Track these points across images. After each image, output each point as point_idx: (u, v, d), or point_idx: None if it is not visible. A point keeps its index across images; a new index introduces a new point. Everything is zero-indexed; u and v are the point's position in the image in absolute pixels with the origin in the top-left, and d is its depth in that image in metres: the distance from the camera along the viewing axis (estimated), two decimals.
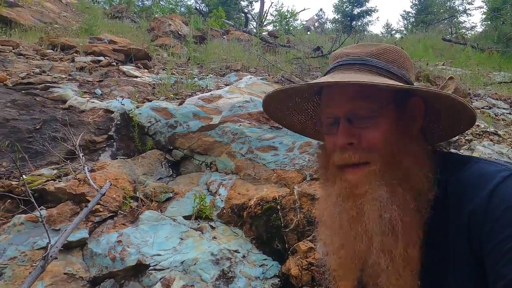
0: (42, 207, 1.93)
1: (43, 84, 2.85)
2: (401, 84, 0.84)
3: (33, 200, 1.46)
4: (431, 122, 0.97)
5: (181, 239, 2.14)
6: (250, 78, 4.12)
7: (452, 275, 0.80)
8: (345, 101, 0.86)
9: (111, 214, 2.09)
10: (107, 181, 2.10)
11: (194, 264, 1.98)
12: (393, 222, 0.80)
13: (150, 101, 3.09)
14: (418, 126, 0.90)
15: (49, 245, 1.49)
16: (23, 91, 2.70)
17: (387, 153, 0.84)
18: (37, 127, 2.39)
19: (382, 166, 0.83)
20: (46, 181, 2.04)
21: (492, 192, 0.75)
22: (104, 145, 2.59)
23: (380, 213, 0.80)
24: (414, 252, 0.81)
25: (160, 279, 1.84)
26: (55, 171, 2.15)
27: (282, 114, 1.08)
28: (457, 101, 0.82)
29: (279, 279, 2.10)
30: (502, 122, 3.10)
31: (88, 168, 2.12)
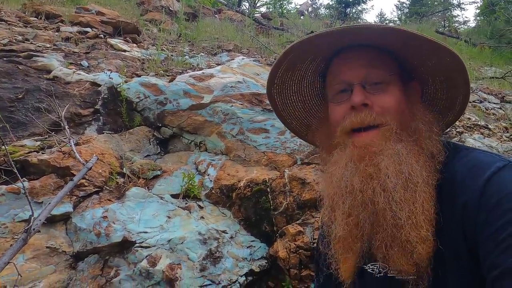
0: (24, 178, 1.85)
1: (26, 53, 2.71)
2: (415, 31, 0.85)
3: (15, 171, 1.39)
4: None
5: (168, 217, 2.10)
6: (243, 59, 4.04)
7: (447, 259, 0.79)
8: (358, 67, 0.89)
9: (97, 189, 2.03)
10: (94, 155, 2.03)
11: (181, 243, 1.95)
12: (412, 175, 0.80)
13: (139, 76, 2.99)
14: (418, 107, 0.92)
15: (32, 217, 1.43)
16: (4, 58, 2.56)
17: (400, 116, 0.86)
18: (20, 97, 2.28)
19: (397, 126, 0.85)
20: (28, 152, 1.95)
21: (487, 182, 0.74)
22: (90, 119, 2.50)
23: (400, 167, 0.80)
24: (431, 209, 0.80)
25: (146, 256, 1.81)
26: (38, 143, 2.06)
27: (281, 97, 1.08)
28: (443, 48, 0.83)
29: (266, 261, 2.10)
30: (493, 116, 3.14)
31: (73, 141, 2.04)
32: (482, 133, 2.89)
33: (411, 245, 0.78)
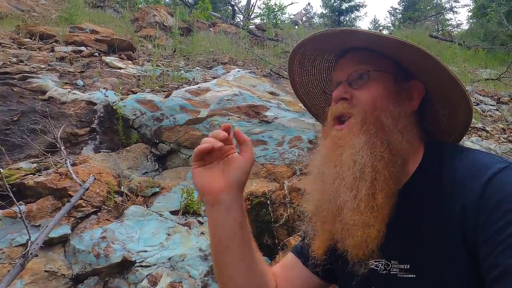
0: (21, 202, 1.83)
1: (20, 74, 2.72)
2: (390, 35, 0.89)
3: (11, 195, 1.37)
4: (434, 114, 1.01)
5: (168, 234, 2.07)
6: (238, 71, 4.06)
7: (442, 259, 0.80)
8: (348, 66, 0.96)
9: (95, 209, 2.01)
10: (91, 175, 2.01)
11: (182, 260, 1.92)
12: (364, 166, 0.84)
13: (135, 93, 2.99)
14: (413, 105, 0.95)
15: (29, 241, 1.41)
16: None
17: (370, 110, 0.90)
18: (15, 119, 2.28)
19: (363, 118, 0.89)
20: (25, 175, 1.93)
21: (487, 183, 0.75)
22: (87, 138, 2.49)
23: (355, 158, 0.86)
24: (383, 200, 0.83)
25: (147, 275, 1.78)
26: (35, 165, 2.05)
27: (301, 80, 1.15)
28: (443, 67, 0.86)
29: None
30: (490, 118, 3.14)
31: (70, 162, 2.02)
32: (480, 136, 2.88)
33: (354, 227, 0.83)
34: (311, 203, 0.96)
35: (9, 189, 1.43)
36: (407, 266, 0.85)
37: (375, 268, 0.91)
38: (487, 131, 2.96)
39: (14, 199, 1.42)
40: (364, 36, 0.92)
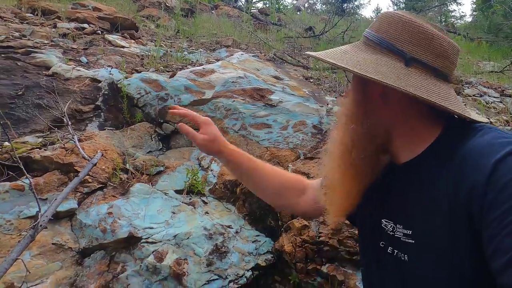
0: (27, 175, 1.82)
1: (24, 49, 2.67)
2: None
3: (21, 167, 1.37)
4: None
5: (173, 213, 2.09)
6: (242, 54, 4.02)
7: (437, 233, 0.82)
8: None
9: (101, 185, 2.01)
10: (98, 151, 2.01)
11: (187, 238, 1.94)
12: (343, 139, 0.93)
13: (139, 72, 2.96)
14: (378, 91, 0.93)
15: (39, 213, 1.42)
16: (2, 55, 2.52)
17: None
18: (20, 93, 2.25)
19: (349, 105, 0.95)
20: (31, 149, 1.93)
21: (498, 162, 0.72)
22: (91, 115, 2.47)
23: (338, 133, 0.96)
24: (360, 161, 0.91)
25: (153, 252, 1.80)
26: (40, 139, 2.04)
27: None
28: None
29: (272, 255, 2.09)
30: (493, 110, 3.16)
31: (77, 137, 2.01)
32: None
33: (334, 195, 0.98)
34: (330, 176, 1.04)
35: (19, 161, 1.43)
36: (409, 232, 0.88)
37: (384, 227, 0.96)
38: (491, 123, 2.98)
39: (25, 171, 1.42)
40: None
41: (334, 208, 1.01)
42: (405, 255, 0.89)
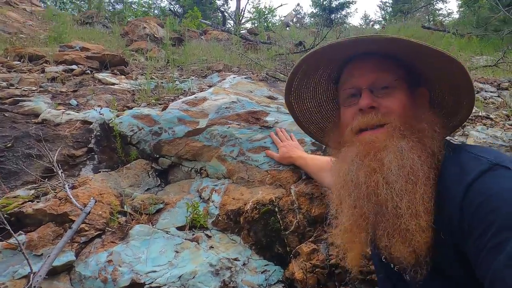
0: (20, 232, 1.75)
1: (11, 99, 2.65)
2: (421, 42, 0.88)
3: (8, 227, 1.30)
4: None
5: (177, 252, 2.01)
6: (234, 77, 4.00)
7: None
8: (367, 73, 0.97)
9: (98, 232, 1.93)
10: (91, 198, 1.94)
11: (193, 277, 1.85)
12: (414, 169, 0.84)
13: (131, 108, 2.93)
14: (426, 110, 0.98)
15: (31, 274, 1.34)
16: None
17: (404, 116, 0.92)
18: (9, 145, 2.21)
19: (401, 125, 0.91)
20: (23, 203, 1.86)
21: (467, 189, 0.75)
22: (85, 159, 2.42)
23: (402, 161, 0.85)
24: (430, 202, 0.83)
25: None
26: (32, 191, 1.98)
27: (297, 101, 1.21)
28: (455, 62, 0.89)
29: (283, 285, 1.99)
30: (492, 105, 3.09)
31: (69, 185, 1.95)
32: (484, 124, 2.83)
33: (410, 233, 0.82)
34: (346, 217, 0.95)
35: (4, 222, 1.36)
36: None
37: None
38: (491, 119, 2.90)
39: (11, 231, 1.35)
40: (406, 44, 0.89)
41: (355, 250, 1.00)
42: (407, 276, 0.91)
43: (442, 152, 0.89)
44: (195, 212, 2.24)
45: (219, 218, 2.30)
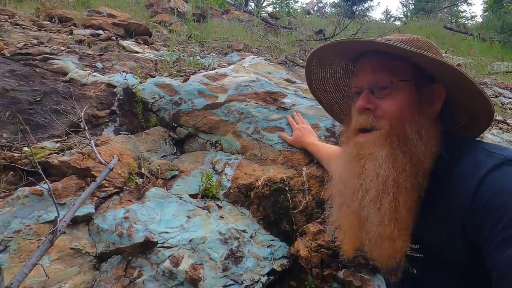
0: (47, 180, 1.85)
1: (42, 55, 2.72)
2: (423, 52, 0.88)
3: (41, 172, 1.39)
4: (454, 115, 1.04)
5: (188, 217, 2.09)
6: (253, 58, 4.03)
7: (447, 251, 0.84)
8: (370, 73, 0.98)
9: (117, 190, 2.03)
10: (115, 156, 2.03)
11: (203, 242, 1.94)
12: (387, 179, 0.87)
13: (153, 77, 2.99)
14: (435, 110, 0.97)
15: (58, 219, 1.43)
16: (21, 62, 2.57)
17: (395, 121, 0.92)
18: (38, 99, 2.29)
19: (388, 131, 0.92)
20: (49, 154, 1.95)
21: (480, 182, 0.76)
22: (107, 120, 2.50)
23: (377, 171, 0.89)
24: (405, 212, 0.87)
25: (169, 256, 1.80)
26: (58, 144, 2.07)
27: (318, 84, 1.24)
28: (465, 77, 0.87)
29: (287, 260, 2.08)
30: (510, 110, 3.09)
31: (93, 142, 2.04)
32: (500, 128, 2.84)
33: (380, 240, 0.88)
34: (334, 213, 1.02)
35: (38, 166, 1.45)
36: (417, 247, 0.93)
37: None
38: (508, 124, 2.91)
39: (44, 176, 1.44)
40: (400, 50, 0.90)
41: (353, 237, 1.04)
42: (414, 269, 0.94)
43: (430, 159, 0.90)
44: (208, 182, 2.32)
45: (231, 190, 2.38)
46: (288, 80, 3.47)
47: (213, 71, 3.19)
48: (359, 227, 0.94)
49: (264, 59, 4.03)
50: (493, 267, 0.69)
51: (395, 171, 0.87)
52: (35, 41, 2.94)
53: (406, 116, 0.93)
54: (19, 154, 1.86)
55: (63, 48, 2.99)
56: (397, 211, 0.87)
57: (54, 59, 2.70)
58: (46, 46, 2.92)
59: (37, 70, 2.47)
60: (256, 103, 2.89)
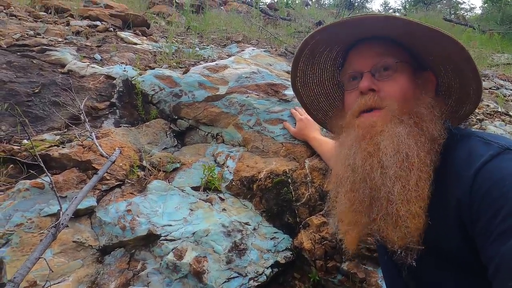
0: (48, 173, 1.82)
1: (39, 47, 2.67)
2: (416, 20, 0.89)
3: (42, 165, 1.37)
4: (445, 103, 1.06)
5: (191, 210, 2.08)
6: (253, 49, 3.99)
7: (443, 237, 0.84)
8: (369, 56, 0.98)
9: (119, 182, 2.00)
10: (116, 148, 2.00)
11: (206, 235, 1.93)
12: (409, 155, 0.85)
13: (153, 68, 2.95)
14: (430, 96, 0.97)
15: (60, 212, 1.41)
16: (18, 53, 2.52)
17: (402, 100, 0.92)
18: (36, 91, 2.25)
19: (399, 109, 0.91)
20: (49, 146, 1.92)
21: (477, 172, 0.75)
22: (107, 112, 2.46)
23: (398, 147, 0.86)
24: (425, 188, 0.84)
25: (172, 249, 1.79)
26: (58, 137, 2.03)
27: (303, 84, 1.21)
28: (446, 36, 0.87)
29: (291, 252, 2.07)
30: (511, 103, 3.08)
31: (94, 135, 2.01)
32: (503, 120, 2.83)
33: (401, 219, 0.84)
34: (343, 201, 0.97)
35: (39, 159, 1.42)
36: None
37: None
38: (510, 116, 2.91)
39: (45, 169, 1.41)
40: (394, 21, 0.91)
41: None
42: (413, 262, 0.91)
43: (444, 135, 0.89)
44: (210, 174, 2.30)
45: (233, 183, 2.36)
46: (288, 72, 3.44)
47: (214, 63, 3.15)
48: (368, 211, 0.91)
49: (264, 51, 3.99)
50: (491, 259, 0.68)
51: (416, 146, 0.86)
52: (31, 32, 2.89)
53: (410, 97, 0.93)
54: (19, 147, 1.83)
55: (60, 39, 2.94)
56: (418, 187, 0.85)
57: (51, 50, 2.65)
58: (43, 37, 2.86)
59: (34, 62, 2.43)
60: (257, 95, 2.86)
